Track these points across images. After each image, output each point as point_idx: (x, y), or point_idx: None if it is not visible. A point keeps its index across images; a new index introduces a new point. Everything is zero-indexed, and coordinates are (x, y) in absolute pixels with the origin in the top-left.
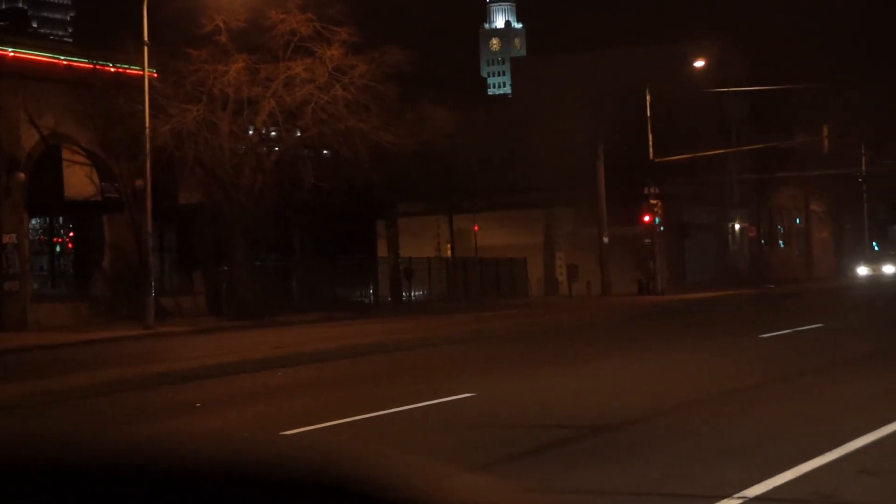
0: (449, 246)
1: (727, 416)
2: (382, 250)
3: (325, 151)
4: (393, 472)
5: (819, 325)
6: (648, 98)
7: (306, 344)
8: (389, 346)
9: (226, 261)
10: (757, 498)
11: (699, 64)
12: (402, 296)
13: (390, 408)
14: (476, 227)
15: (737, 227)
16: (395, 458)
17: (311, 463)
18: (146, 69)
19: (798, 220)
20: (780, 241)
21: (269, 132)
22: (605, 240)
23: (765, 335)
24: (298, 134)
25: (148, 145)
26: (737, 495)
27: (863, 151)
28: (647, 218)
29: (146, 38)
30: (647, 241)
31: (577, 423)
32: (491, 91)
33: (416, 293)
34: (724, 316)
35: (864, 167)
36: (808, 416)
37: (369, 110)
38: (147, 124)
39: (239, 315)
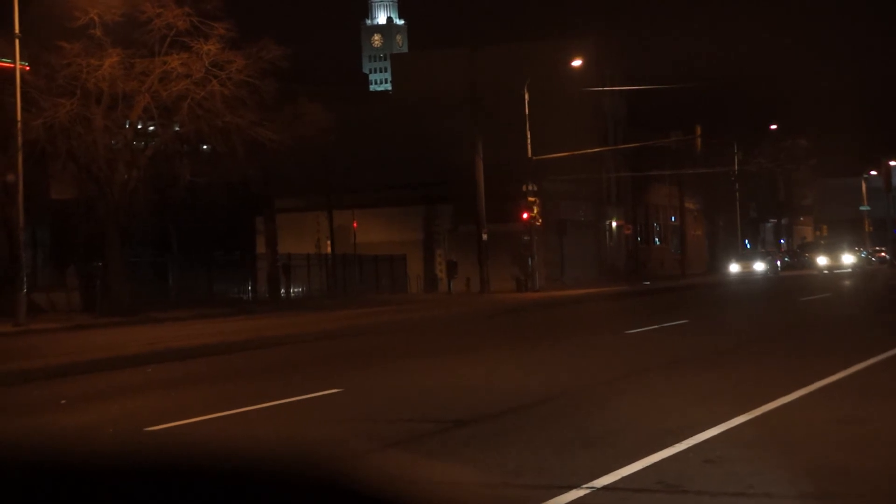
0: (329, 242)
1: (586, 409)
2: (261, 246)
3: (203, 147)
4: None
5: (685, 321)
6: (527, 95)
7: (179, 340)
8: (262, 343)
9: (100, 257)
10: (605, 487)
11: (577, 63)
12: (281, 292)
13: (258, 404)
14: (355, 224)
15: (614, 224)
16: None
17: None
18: (17, 62)
19: (673, 218)
20: (656, 239)
21: (145, 127)
22: (485, 236)
23: (631, 331)
24: (177, 129)
25: (20, 139)
26: (586, 485)
27: (735, 151)
28: (525, 215)
29: (17, 30)
30: (526, 238)
31: (442, 416)
32: (373, 87)
33: (296, 290)
34: (595, 312)
35: (736, 166)
36: (661, 408)
37: (247, 106)
38: (18, 118)
39: (113, 311)
